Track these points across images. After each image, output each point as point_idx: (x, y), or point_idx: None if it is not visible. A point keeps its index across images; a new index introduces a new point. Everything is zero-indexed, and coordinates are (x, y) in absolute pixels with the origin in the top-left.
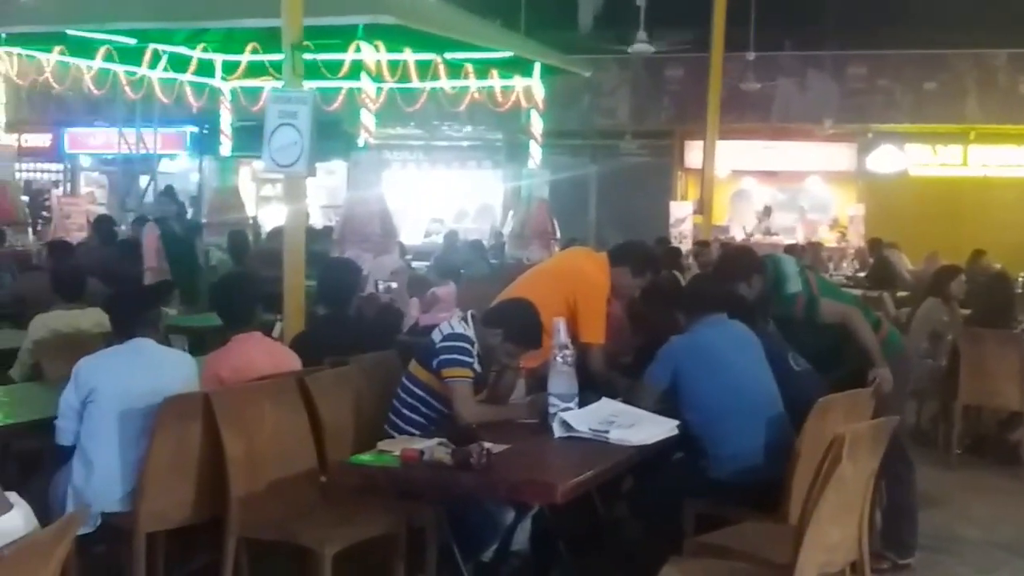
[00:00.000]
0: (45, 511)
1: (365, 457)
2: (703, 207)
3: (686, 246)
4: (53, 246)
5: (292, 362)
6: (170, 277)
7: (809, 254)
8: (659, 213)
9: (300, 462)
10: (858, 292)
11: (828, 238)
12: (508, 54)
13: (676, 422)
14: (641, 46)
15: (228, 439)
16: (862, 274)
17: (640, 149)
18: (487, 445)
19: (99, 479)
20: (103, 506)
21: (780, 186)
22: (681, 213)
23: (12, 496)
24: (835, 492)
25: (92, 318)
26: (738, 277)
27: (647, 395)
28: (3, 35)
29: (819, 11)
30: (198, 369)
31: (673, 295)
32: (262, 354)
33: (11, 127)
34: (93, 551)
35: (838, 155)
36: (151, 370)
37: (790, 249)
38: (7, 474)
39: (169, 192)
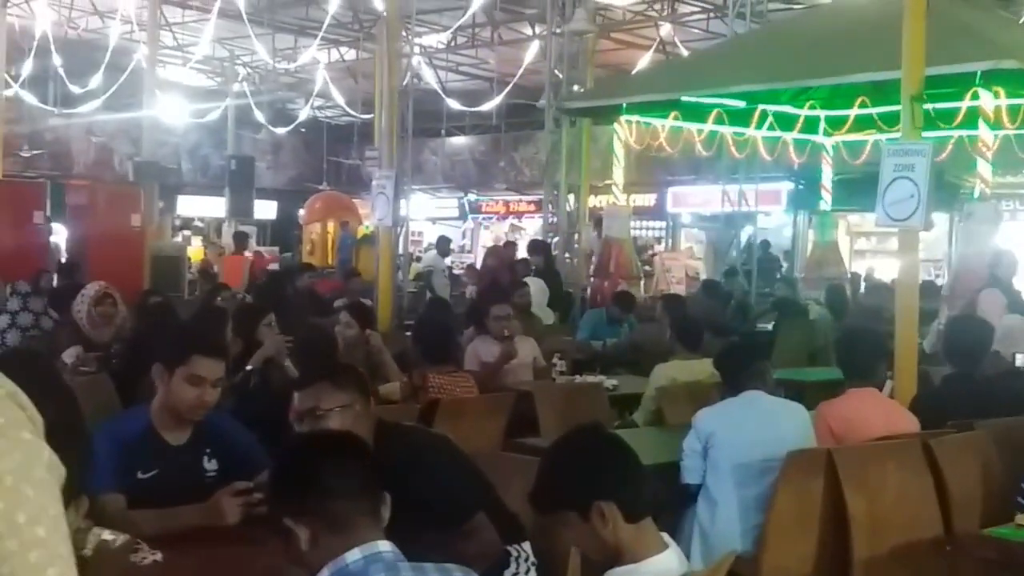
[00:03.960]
0: None
1: (1004, 530)
2: None
3: None
4: (669, 300)
5: (908, 423)
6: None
7: None
8: None
9: (924, 529)
10: None
11: None
12: None
13: None
14: None
15: (851, 498)
16: None
17: None
18: None
19: (722, 521)
20: (726, 548)
21: None
22: None
23: (665, 536)
24: None
25: (708, 368)
26: None
27: None
28: (624, 105)
29: None
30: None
31: None
32: (876, 411)
33: (625, 188)
34: None
35: None
36: (765, 421)
37: None
38: None
39: (765, 247)
